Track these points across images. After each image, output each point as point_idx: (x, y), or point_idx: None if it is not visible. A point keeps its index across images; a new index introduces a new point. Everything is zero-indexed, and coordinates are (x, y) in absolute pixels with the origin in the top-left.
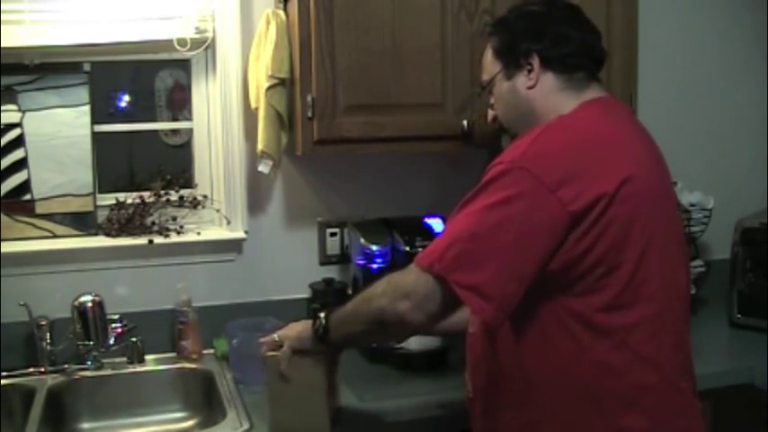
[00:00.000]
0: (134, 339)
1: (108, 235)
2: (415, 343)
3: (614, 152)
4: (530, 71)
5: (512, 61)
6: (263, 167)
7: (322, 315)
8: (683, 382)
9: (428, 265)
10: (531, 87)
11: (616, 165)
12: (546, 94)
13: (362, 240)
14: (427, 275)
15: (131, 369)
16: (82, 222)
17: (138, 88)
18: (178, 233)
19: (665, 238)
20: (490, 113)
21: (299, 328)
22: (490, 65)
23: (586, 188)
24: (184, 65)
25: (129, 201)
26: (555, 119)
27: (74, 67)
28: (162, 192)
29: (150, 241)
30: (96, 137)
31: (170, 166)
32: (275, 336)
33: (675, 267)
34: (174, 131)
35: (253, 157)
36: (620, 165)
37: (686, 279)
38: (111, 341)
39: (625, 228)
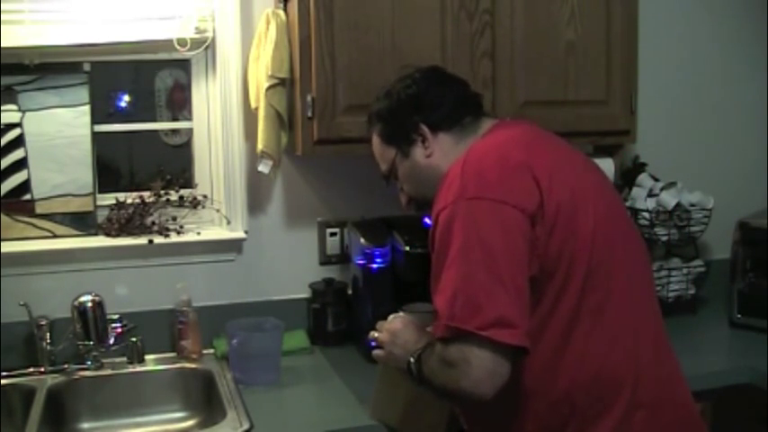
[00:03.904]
0: (134, 339)
1: (108, 235)
2: None
3: (530, 152)
4: (423, 141)
5: (403, 140)
6: (263, 167)
7: (412, 360)
8: (663, 350)
9: (446, 330)
10: (429, 156)
11: (537, 161)
12: (446, 153)
13: (362, 240)
14: (454, 344)
15: (131, 369)
16: (82, 222)
17: (137, 88)
18: (178, 233)
19: (614, 217)
20: (403, 198)
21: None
22: (384, 153)
23: (529, 188)
24: (184, 65)
25: (129, 201)
26: (463, 154)
27: (74, 67)
28: (162, 192)
29: (150, 241)
30: (96, 137)
31: (170, 166)
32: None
33: (629, 242)
34: (174, 131)
35: (253, 157)
36: (541, 160)
37: (643, 251)
38: (111, 341)
39: (570, 212)
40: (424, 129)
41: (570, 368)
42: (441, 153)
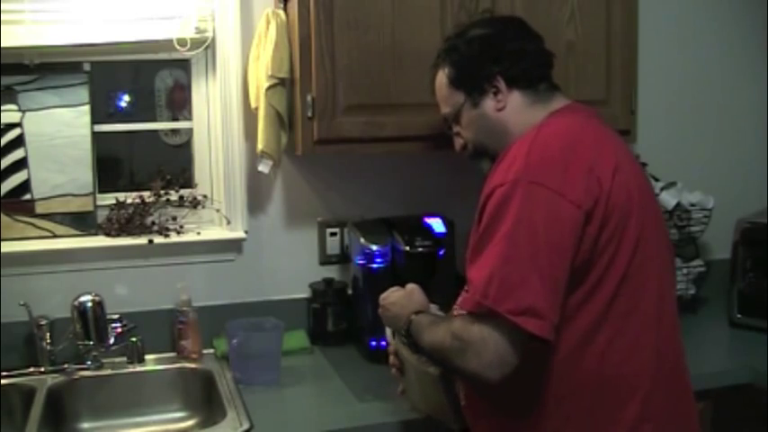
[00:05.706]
0: (134, 339)
1: (108, 235)
2: None
3: (598, 147)
4: (496, 93)
5: (475, 88)
6: (263, 167)
7: (413, 317)
8: (680, 365)
9: (476, 306)
10: (500, 109)
11: (604, 158)
12: (516, 112)
13: (362, 240)
14: (480, 324)
15: (131, 369)
16: (82, 222)
17: (137, 88)
18: (178, 233)
19: (655, 223)
20: (458, 142)
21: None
22: (450, 96)
23: (591, 185)
24: (184, 65)
25: (129, 201)
26: (533, 131)
27: (74, 67)
28: (162, 192)
29: (150, 241)
30: (96, 137)
31: (170, 166)
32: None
33: (664, 251)
34: (174, 131)
35: (253, 157)
36: (607, 157)
37: (672, 260)
38: (111, 341)
39: (624, 215)
40: (501, 81)
41: (586, 369)
42: (512, 109)
